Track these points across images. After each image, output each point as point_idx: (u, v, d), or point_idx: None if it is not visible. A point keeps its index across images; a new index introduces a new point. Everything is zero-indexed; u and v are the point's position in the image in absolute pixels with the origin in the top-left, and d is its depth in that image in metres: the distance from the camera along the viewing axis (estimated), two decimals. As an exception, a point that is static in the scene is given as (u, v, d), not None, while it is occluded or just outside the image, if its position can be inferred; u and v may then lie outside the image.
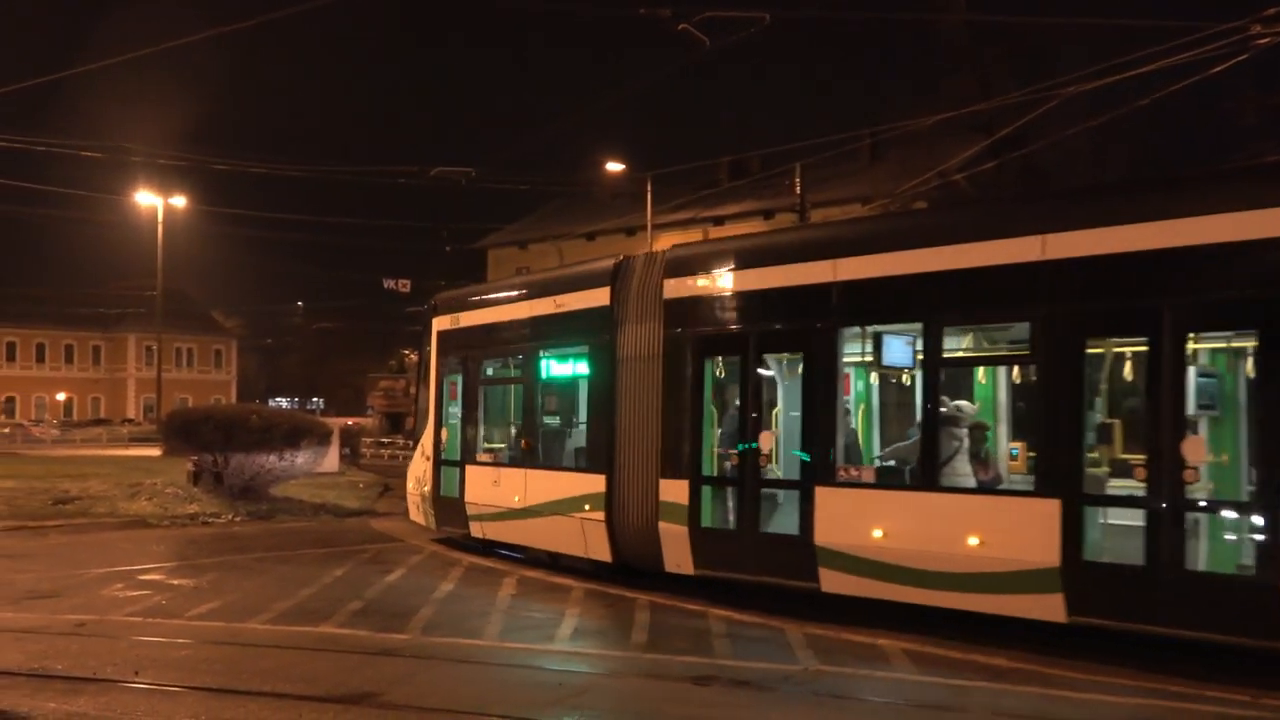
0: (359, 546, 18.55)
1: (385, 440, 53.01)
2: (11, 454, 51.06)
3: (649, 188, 39.83)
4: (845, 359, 12.14)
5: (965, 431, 11.58)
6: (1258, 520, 9.09)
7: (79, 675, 9.41)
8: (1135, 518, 9.69)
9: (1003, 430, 12.24)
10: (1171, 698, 8.76)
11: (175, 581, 14.75)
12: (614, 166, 42.81)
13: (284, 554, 17.45)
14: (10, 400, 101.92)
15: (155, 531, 20.90)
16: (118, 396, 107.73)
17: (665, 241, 40.24)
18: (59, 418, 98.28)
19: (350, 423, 53.80)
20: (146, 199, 55.76)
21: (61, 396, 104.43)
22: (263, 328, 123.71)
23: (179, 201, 57.40)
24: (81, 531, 20.67)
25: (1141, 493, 9.59)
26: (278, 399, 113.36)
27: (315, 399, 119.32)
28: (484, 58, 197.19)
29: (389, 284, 44.80)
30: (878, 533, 11.23)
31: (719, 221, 45.89)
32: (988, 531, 10.42)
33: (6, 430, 74.65)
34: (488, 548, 17.21)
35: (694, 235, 41.80)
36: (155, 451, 45.44)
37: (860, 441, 13.02)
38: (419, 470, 19.10)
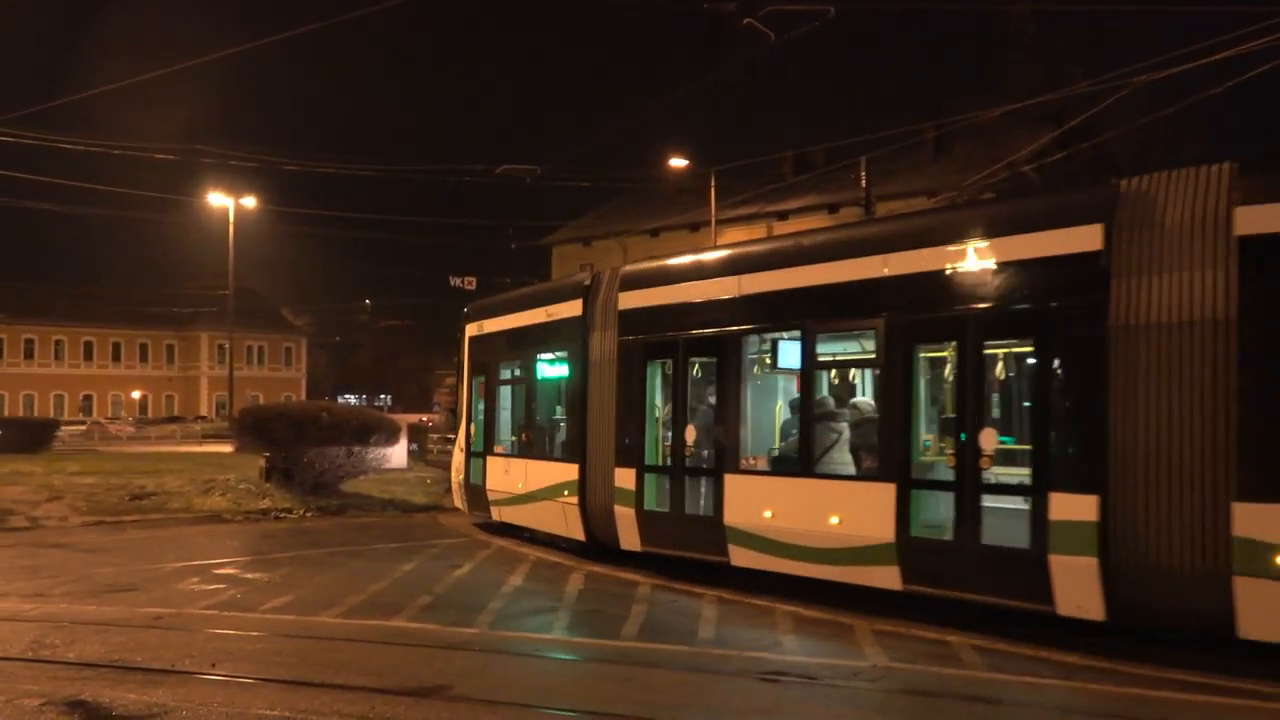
0: (428, 542, 18.73)
1: (451, 436, 53.34)
2: (89, 451, 52.12)
3: (712, 183, 39.74)
4: (749, 361, 13.90)
5: (845, 425, 12.91)
6: (1031, 502, 10.33)
7: (158, 667, 9.60)
8: (949, 499, 11.02)
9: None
10: (1245, 695, 8.60)
11: (249, 575, 14.99)
12: (678, 162, 42.77)
13: (355, 549, 17.67)
14: (88, 398, 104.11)
15: (229, 526, 21.26)
16: (191, 394, 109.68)
17: (730, 237, 40.15)
18: (134, 415, 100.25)
19: (420, 419, 54.27)
20: (218, 200, 56.66)
21: (137, 394, 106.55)
22: (331, 325, 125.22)
23: (249, 202, 58.28)
24: (158, 526, 21.08)
25: (951, 477, 11.00)
26: (346, 396, 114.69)
27: (383, 396, 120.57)
28: (549, 57, 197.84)
29: (455, 281, 45.05)
30: (769, 514, 12.90)
31: (783, 216, 45.64)
32: (845, 512, 12.00)
33: (84, 428, 76.21)
34: (515, 533, 18.52)
35: (758, 230, 41.66)
36: (228, 448, 46.19)
37: (761, 434, 14.34)
38: (456, 461, 21.44)
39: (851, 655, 10.11)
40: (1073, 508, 9.92)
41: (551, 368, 17.98)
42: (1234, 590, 9.04)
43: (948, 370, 11.68)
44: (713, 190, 39.64)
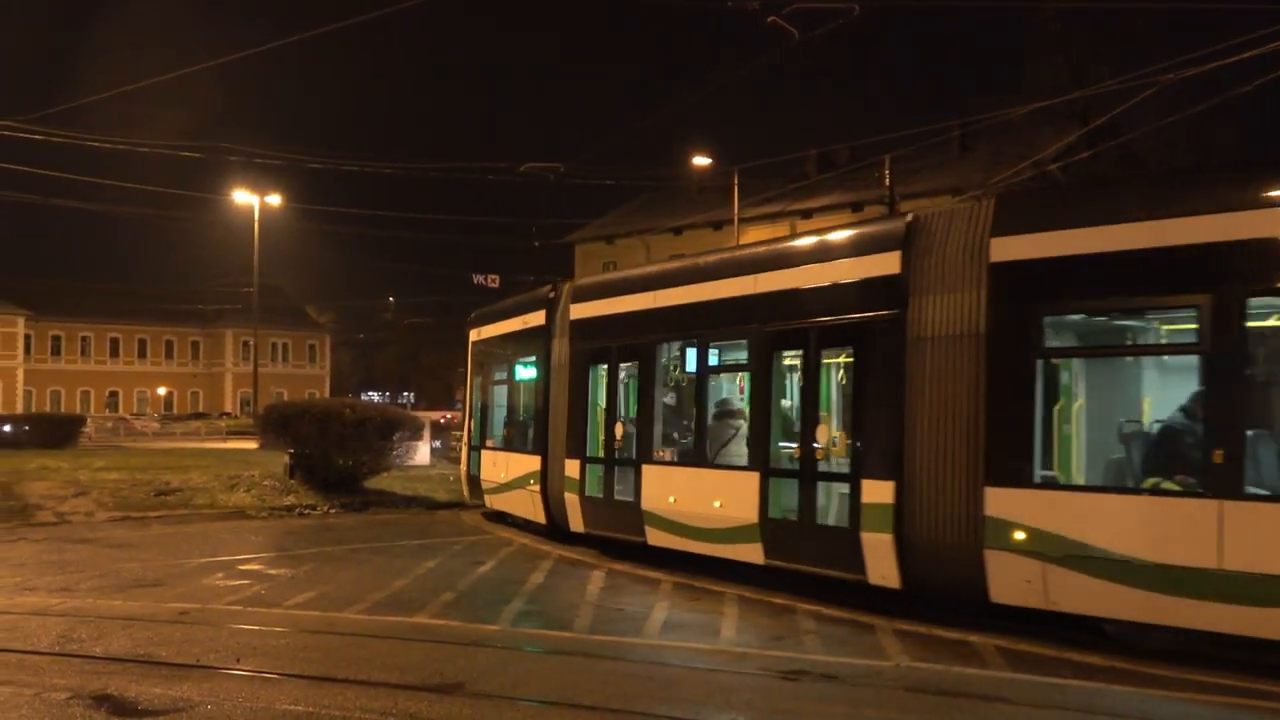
0: (450, 539, 18.81)
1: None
2: (115, 447, 52.55)
3: (735, 181, 39.70)
4: (662, 366, 15.81)
5: (743, 422, 14.45)
6: (850, 487, 12.14)
7: (183, 662, 9.68)
8: (795, 486, 12.97)
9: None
10: (1269, 698, 8.56)
11: (273, 571, 15.09)
12: (700, 160, 42.74)
13: (378, 545, 17.76)
14: (113, 394, 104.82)
15: (253, 522, 21.40)
16: (215, 391, 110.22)
17: (752, 235, 40.09)
18: (159, 411, 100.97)
19: (442, 417, 54.40)
20: (243, 198, 56.94)
21: (162, 391, 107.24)
22: (355, 323, 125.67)
23: (274, 200, 58.55)
24: (183, 522, 21.24)
25: (796, 467, 12.97)
26: (370, 393, 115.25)
27: (406, 393, 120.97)
28: (572, 55, 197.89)
29: (479, 279, 45.16)
30: (673, 499, 14.85)
31: (807, 214, 45.53)
32: (725, 497, 13.83)
33: (110, 424, 76.77)
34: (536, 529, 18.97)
35: (781, 229, 41.55)
36: (252, 444, 46.50)
37: (674, 429, 15.92)
38: (463, 455, 23.75)
39: (873, 654, 10.11)
40: (877, 492, 11.72)
41: (525, 370, 19.90)
42: (985, 561, 10.68)
43: (796, 374, 13.66)
44: (735, 188, 39.60)
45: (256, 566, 15.65)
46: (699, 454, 14.71)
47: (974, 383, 11.00)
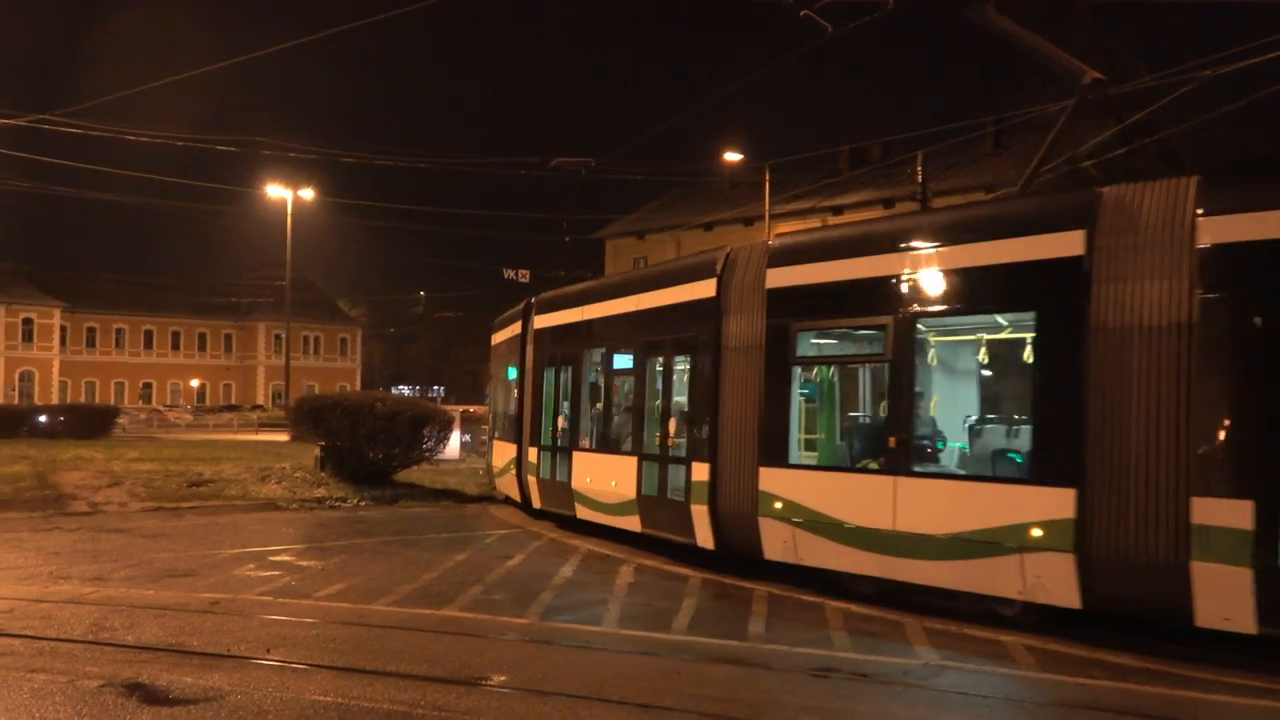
0: (479, 532, 18.86)
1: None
2: (148, 438, 52.99)
3: (767, 176, 39.59)
4: (589, 368, 18.54)
5: (629, 417, 17.03)
6: (684, 469, 14.98)
7: (214, 651, 9.75)
8: (656, 468, 15.80)
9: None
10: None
11: (304, 563, 15.17)
12: (732, 156, 42.65)
13: (408, 538, 17.82)
14: (147, 386, 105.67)
15: (284, 514, 21.52)
16: (248, 383, 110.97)
17: (782, 229, 39.98)
18: (192, 403, 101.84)
19: (471, 410, 54.55)
20: (276, 192, 57.20)
21: (195, 383, 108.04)
22: (386, 317, 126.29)
23: (307, 194, 58.81)
24: (215, 513, 21.38)
25: (657, 452, 15.84)
26: (400, 387, 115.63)
27: (436, 387, 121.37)
28: (605, 51, 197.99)
29: (509, 274, 45.20)
30: (589, 479, 17.71)
31: (838, 211, 45.36)
32: (618, 478, 16.63)
33: (143, 416, 77.46)
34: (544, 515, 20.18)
35: (813, 225, 41.46)
36: (284, 437, 46.80)
37: (599, 421, 18.35)
38: (490, 445, 26.67)
39: (902, 653, 10.06)
40: (700, 473, 14.50)
41: (512, 372, 22.73)
42: (760, 527, 13.40)
43: (659, 378, 16.11)
44: (767, 184, 39.50)
45: (287, 558, 15.74)
46: (605, 442, 17.69)
47: (757, 384, 13.77)
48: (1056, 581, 10.24)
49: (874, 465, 12.31)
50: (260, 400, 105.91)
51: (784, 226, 42.43)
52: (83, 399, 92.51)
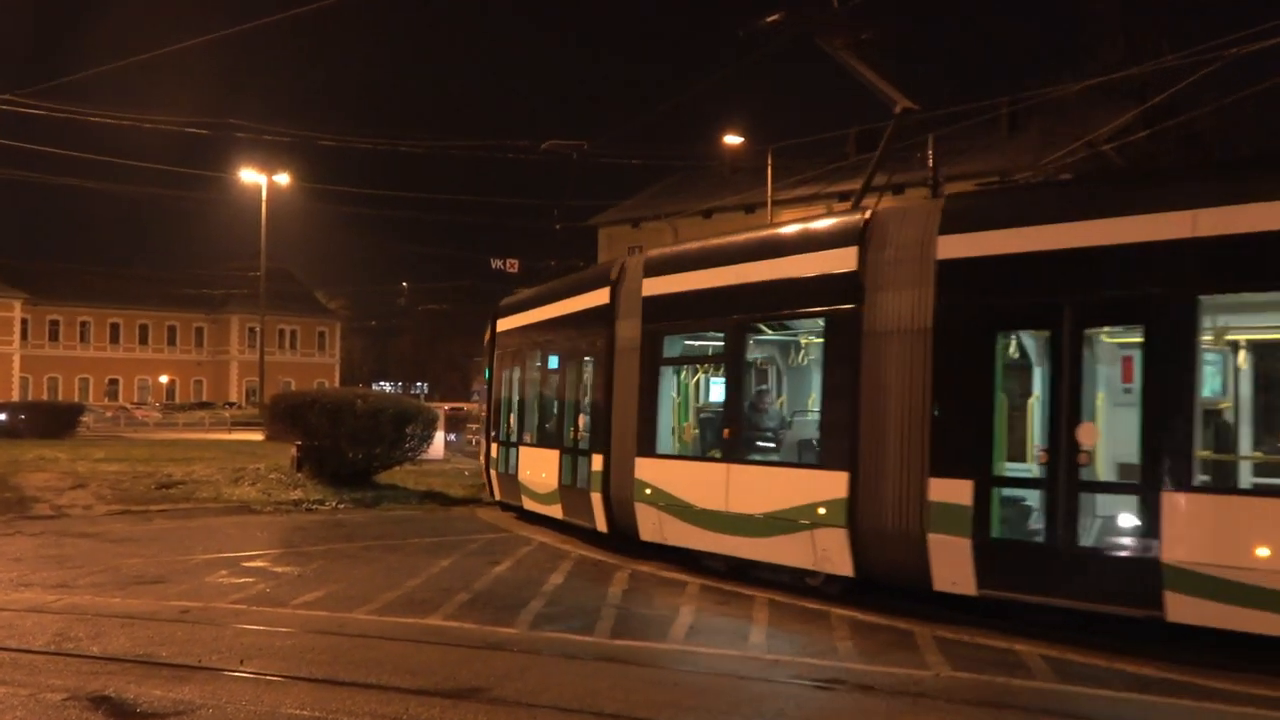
0: (466, 536, 18.86)
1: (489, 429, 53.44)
2: (115, 437, 52.98)
3: (769, 161, 39.62)
4: (531, 367, 20.73)
5: (554, 414, 19.23)
6: (587, 460, 17.26)
7: (185, 663, 9.75)
8: (570, 459, 18.17)
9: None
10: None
11: (280, 569, 15.17)
12: (733, 139, 42.68)
13: (390, 543, 17.83)
14: (114, 382, 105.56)
15: (259, 517, 21.51)
16: (220, 379, 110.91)
17: (788, 218, 39.97)
18: (161, 400, 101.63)
19: (463, 408, 54.50)
20: (250, 177, 57.11)
21: (164, 379, 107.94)
22: (367, 309, 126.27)
23: (283, 179, 58.73)
24: (186, 516, 21.37)
25: (571, 445, 18.08)
26: (382, 383, 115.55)
27: (420, 383, 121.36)
28: (600, 29, 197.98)
29: (497, 264, 45.31)
30: (529, 472, 20.10)
31: (844, 197, 45.09)
32: (548, 470, 18.89)
33: (110, 414, 77.38)
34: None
35: (817, 211, 41.49)
36: (258, 436, 46.83)
37: (532, 418, 20.82)
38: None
39: (912, 663, 10.08)
40: (596, 464, 16.85)
41: (486, 373, 24.78)
42: (636, 511, 15.74)
43: (577, 377, 18.06)
44: (769, 169, 39.56)
45: (262, 563, 15.74)
46: (539, 438, 20.01)
47: (637, 383, 15.90)
48: (836, 553, 12.52)
49: (715, 454, 14.92)
50: (234, 397, 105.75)
51: (788, 213, 42.39)
52: (45, 396, 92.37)
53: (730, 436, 14.36)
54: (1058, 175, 27.23)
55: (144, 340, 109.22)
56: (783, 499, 13.16)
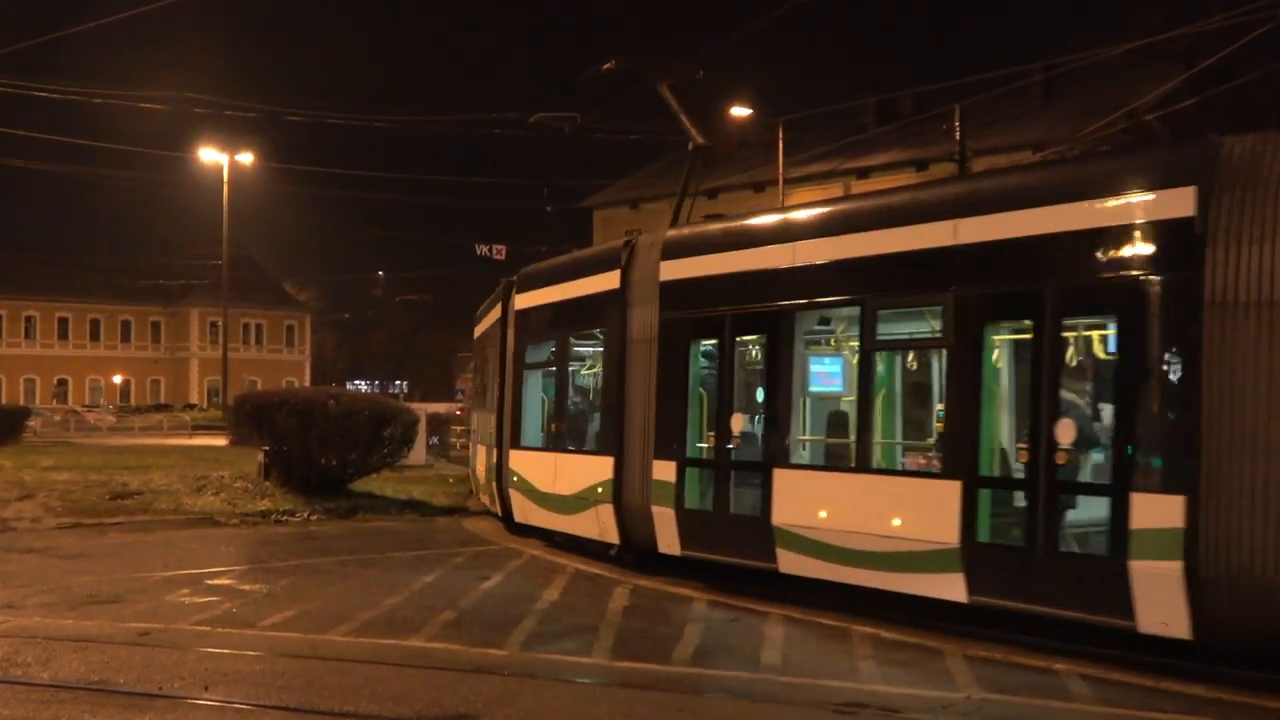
0: (451, 549, 18.89)
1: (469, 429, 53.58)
2: (65, 443, 53.01)
3: (780, 135, 39.59)
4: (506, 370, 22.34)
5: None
6: (496, 454, 21.28)
7: (143, 690, 9.76)
8: (486, 452, 22.49)
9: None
10: None
11: (247, 587, 15.19)
12: (740, 111, 42.60)
13: (367, 557, 17.85)
14: (62, 383, 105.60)
15: (224, 530, 21.53)
16: (179, 378, 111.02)
17: (801, 197, 40.00)
18: (115, 402, 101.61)
19: (443, 410, 54.55)
20: (211, 156, 56.96)
21: (118, 379, 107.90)
22: (340, 300, 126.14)
23: (246, 158, 58.61)
24: (143, 530, 21.38)
25: (489, 441, 22.12)
26: (357, 381, 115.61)
27: (399, 381, 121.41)
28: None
29: (482, 250, 45.26)
30: (477, 464, 24.22)
31: (863, 174, 45.43)
32: (482, 466, 22.79)
33: (59, 417, 77.33)
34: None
35: (834, 190, 41.51)
36: (221, 441, 46.81)
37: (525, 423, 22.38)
38: None
39: (940, 684, 10.10)
40: (494, 457, 21.32)
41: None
42: (510, 496, 20.21)
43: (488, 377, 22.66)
44: (780, 144, 39.55)
45: (228, 581, 15.76)
46: (501, 436, 21.24)
47: (512, 385, 20.38)
48: (609, 526, 16.62)
49: (548, 447, 19.13)
50: (194, 398, 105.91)
51: (802, 192, 42.46)
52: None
53: (556, 430, 18.99)
54: (1098, 147, 27.24)
55: (95, 336, 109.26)
56: (580, 482, 17.37)
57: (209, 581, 15.60)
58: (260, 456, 26.20)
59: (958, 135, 31.49)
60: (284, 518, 22.80)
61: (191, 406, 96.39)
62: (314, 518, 22.91)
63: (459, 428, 48.77)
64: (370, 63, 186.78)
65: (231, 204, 58.85)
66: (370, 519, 23.11)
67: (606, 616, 13.19)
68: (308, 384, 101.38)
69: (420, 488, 27.70)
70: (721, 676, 10.44)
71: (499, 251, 45.23)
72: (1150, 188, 10.65)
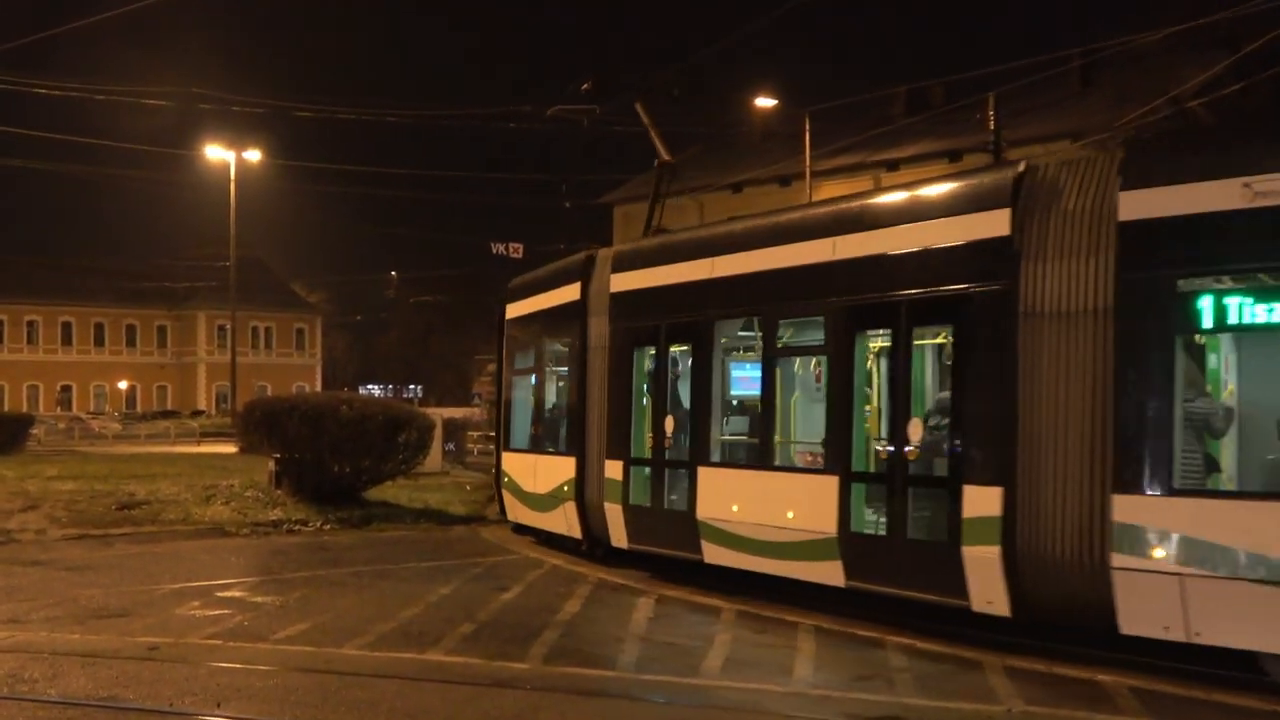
0: (468, 559, 18.92)
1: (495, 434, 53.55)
2: (69, 451, 53.22)
3: (807, 126, 39.50)
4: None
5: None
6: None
7: (153, 707, 9.80)
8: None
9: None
10: None
11: (258, 599, 15.24)
12: (765, 102, 42.54)
13: (382, 567, 17.88)
14: (66, 389, 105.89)
15: (234, 541, 21.60)
16: (187, 384, 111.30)
17: (828, 191, 39.96)
18: (120, 409, 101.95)
19: (459, 414, 54.56)
20: (217, 154, 57.05)
21: (123, 384, 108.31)
22: (352, 302, 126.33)
23: (254, 155, 58.74)
24: (151, 541, 21.46)
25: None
26: (369, 386, 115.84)
27: (413, 386, 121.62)
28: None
29: (499, 249, 45.20)
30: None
31: (893, 166, 45.25)
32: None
33: (62, 425, 77.63)
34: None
35: (862, 183, 41.35)
36: (231, 448, 46.92)
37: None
38: None
39: (980, 697, 10.07)
40: (506, 463, 22.23)
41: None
42: (503, 497, 22.25)
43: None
44: (807, 135, 39.43)
45: (239, 593, 15.81)
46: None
47: (503, 392, 23.02)
48: (573, 523, 18.33)
49: (530, 448, 20.62)
50: (202, 405, 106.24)
51: (829, 186, 42.37)
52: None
53: (535, 433, 20.68)
54: (1137, 135, 27.10)
55: (100, 341, 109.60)
56: (551, 481, 19.20)
57: (219, 594, 15.65)
58: (271, 464, 26.25)
59: (992, 125, 31.30)
60: (296, 527, 22.86)
61: (199, 413, 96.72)
62: (327, 527, 22.97)
63: (476, 433, 48.84)
64: (376, 59, 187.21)
65: (238, 203, 58.94)
66: (385, 528, 23.16)
67: (631, 627, 13.20)
68: (319, 389, 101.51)
69: (436, 495, 27.74)
70: (751, 690, 10.41)
71: (516, 250, 45.13)
72: (976, 209, 12.31)
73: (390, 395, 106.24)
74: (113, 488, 28.26)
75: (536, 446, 20.34)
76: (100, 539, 21.47)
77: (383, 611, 14.03)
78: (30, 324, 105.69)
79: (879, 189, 19.65)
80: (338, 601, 14.90)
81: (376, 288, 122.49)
